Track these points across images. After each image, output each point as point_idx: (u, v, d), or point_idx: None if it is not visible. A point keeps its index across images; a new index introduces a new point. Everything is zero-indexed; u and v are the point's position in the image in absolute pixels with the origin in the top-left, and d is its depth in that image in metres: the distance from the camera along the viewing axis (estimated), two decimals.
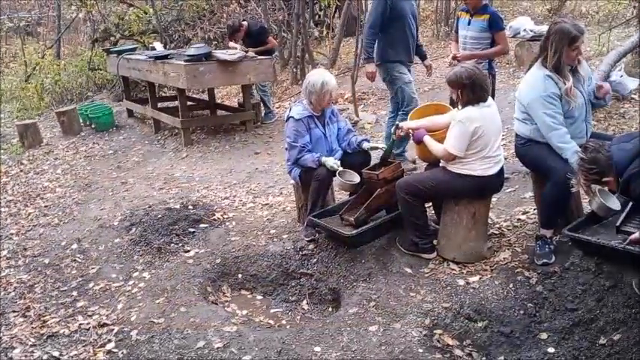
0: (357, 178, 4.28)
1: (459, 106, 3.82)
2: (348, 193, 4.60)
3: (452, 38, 5.31)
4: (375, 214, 4.25)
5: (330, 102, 4.48)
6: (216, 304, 4.12)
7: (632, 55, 7.54)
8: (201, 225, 4.98)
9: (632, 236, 3.25)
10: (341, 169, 4.29)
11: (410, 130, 4.09)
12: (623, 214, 3.49)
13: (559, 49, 3.57)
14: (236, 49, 7.94)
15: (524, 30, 8.81)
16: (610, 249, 3.36)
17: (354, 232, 4.04)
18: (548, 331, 3.37)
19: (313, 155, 4.34)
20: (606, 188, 3.67)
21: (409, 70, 5.66)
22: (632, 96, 6.50)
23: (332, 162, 4.30)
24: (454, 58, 5.03)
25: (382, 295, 3.78)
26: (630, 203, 3.45)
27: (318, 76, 4.42)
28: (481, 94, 3.68)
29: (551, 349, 3.27)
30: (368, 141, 4.55)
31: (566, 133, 3.63)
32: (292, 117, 4.45)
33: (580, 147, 3.39)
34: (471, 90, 3.67)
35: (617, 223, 3.49)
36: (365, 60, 5.72)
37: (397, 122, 4.52)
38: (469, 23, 5.09)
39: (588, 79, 3.82)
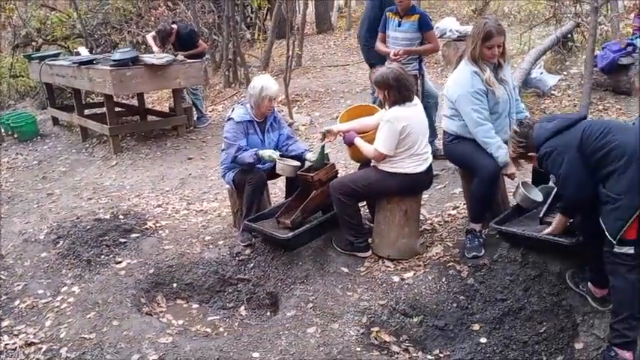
0: (297, 163, 4.29)
1: (387, 107, 3.88)
2: (284, 197, 4.60)
3: (379, 38, 5.33)
4: (311, 216, 4.26)
5: (270, 108, 4.41)
6: (151, 315, 4.01)
7: (551, 53, 7.93)
8: (133, 235, 4.83)
9: (546, 231, 3.41)
10: (279, 158, 4.28)
11: (340, 133, 4.13)
12: (546, 206, 3.65)
13: (475, 42, 3.71)
14: (153, 49, 7.81)
15: (451, 30, 9.07)
16: (534, 239, 3.50)
17: (291, 234, 4.03)
18: (480, 322, 3.48)
19: (250, 151, 4.29)
20: (529, 181, 3.87)
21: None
22: (552, 92, 6.82)
23: (269, 152, 4.27)
24: (395, 55, 5.02)
25: (320, 296, 3.78)
26: (552, 194, 3.60)
27: (260, 80, 4.39)
28: (407, 93, 3.76)
29: (483, 340, 3.38)
30: (310, 151, 4.53)
31: (491, 128, 3.76)
32: (232, 118, 4.39)
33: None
34: (397, 90, 3.74)
35: (540, 214, 3.65)
36: (372, 66, 5.62)
37: (325, 127, 4.50)
38: (399, 25, 5.14)
39: (512, 83, 3.96)
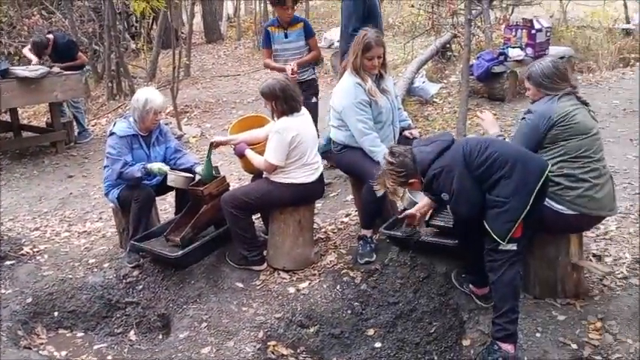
0: (190, 174, 4.16)
1: (275, 118, 3.86)
2: (174, 213, 4.43)
3: (265, 55, 5.22)
4: (202, 232, 4.13)
5: (155, 122, 4.21)
6: (30, 348, 3.69)
7: (432, 63, 8.34)
8: (7, 262, 4.42)
9: (407, 212, 3.54)
10: (170, 170, 4.12)
11: (231, 145, 4.06)
12: (431, 210, 3.79)
13: (356, 54, 3.80)
14: (32, 61, 7.29)
15: (338, 41, 9.25)
16: (421, 242, 3.62)
17: (180, 252, 3.88)
18: (374, 327, 3.54)
19: (138, 165, 4.08)
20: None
21: None
22: (434, 100, 7.16)
23: (159, 165, 4.10)
24: (293, 72, 4.80)
25: (214, 314, 3.67)
26: None
27: (143, 93, 4.21)
28: (294, 104, 3.77)
29: (377, 344, 3.44)
30: (200, 164, 4.39)
31: (376, 137, 3.85)
32: (115, 133, 4.15)
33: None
34: (284, 101, 3.74)
35: (427, 218, 3.78)
36: None
37: (215, 138, 4.39)
38: (286, 36, 5.07)
39: (394, 93, 4.09)
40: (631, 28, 10.42)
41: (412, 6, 10.01)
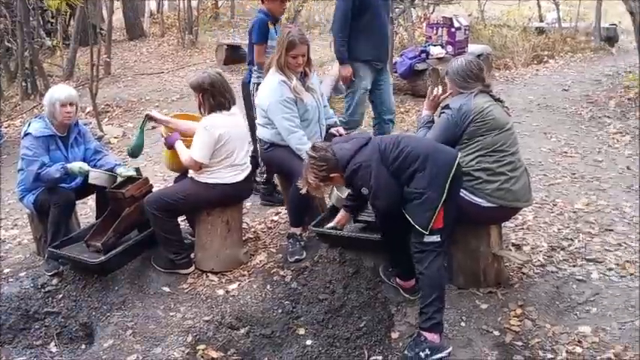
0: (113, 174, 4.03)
1: (204, 112, 3.77)
2: (95, 215, 4.25)
3: (258, 51, 4.73)
4: (125, 236, 3.98)
5: (68, 116, 3.99)
6: None
7: None
8: None
9: (328, 225, 3.67)
10: (91, 169, 3.95)
11: (163, 134, 3.94)
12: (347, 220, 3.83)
13: (280, 52, 3.79)
14: None
15: None
16: (348, 238, 3.65)
17: (102, 258, 3.72)
18: (305, 325, 3.53)
19: (57, 165, 3.88)
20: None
21: (382, 72, 4.95)
22: None
23: (79, 165, 3.91)
24: None
25: (140, 320, 3.56)
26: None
27: (51, 89, 4.05)
28: (222, 100, 3.69)
29: (309, 342, 3.44)
30: (122, 165, 4.22)
31: (303, 135, 3.85)
32: (30, 133, 3.92)
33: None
34: (212, 96, 3.66)
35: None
36: (340, 62, 4.84)
37: (151, 112, 4.21)
38: (276, 32, 4.75)
39: (319, 90, 4.10)
40: (544, 26, 10.99)
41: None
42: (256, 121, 4.11)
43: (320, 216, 3.97)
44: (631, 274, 3.46)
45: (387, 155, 3.08)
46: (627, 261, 3.60)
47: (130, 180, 4.03)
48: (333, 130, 4.19)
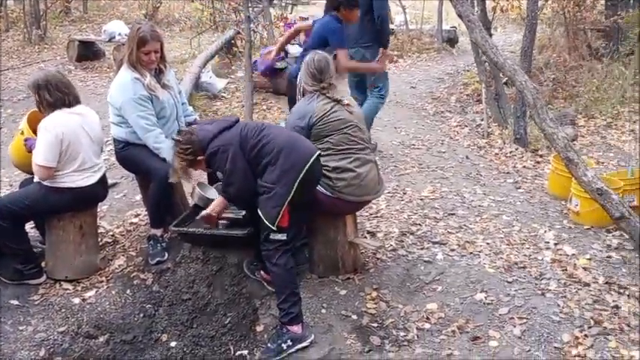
0: None
1: (44, 112, 3.54)
2: None
3: (344, 55, 4.78)
4: None
5: None
6: None
7: (219, 58, 8.39)
8: None
9: (202, 213, 3.53)
10: None
11: (24, 131, 3.66)
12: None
13: (131, 48, 3.68)
14: None
15: (119, 34, 8.80)
16: (211, 236, 3.65)
17: None
18: (169, 327, 3.47)
19: None
20: (205, 181, 4.01)
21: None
22: (222, 94, 7.23)
23: None
24: None
25: None
26: None
27: None
28: (60, 96, 3.49)
29: (173, 344, 3.39)
30: None
31: (160, 133, 3.76)
32: None
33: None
34: (48, 92, 3.46)
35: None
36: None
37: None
38: None
39: (176, 87, 4.03)
40: (393, 28, 11.65)
41: (193, 1, 9.92)
42: (109, 120, 3.95)
43: (182, 215, 3.92)
44: (470, 253, 3.83)
45: (246, 142, 3.10)
46: (467, 241, 3.98)
47: None
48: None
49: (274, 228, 3.04)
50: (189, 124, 4.16)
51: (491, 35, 6.89)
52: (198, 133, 3.17)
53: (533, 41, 5.91)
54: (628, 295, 3.29)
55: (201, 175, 4.13)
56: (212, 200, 3.83)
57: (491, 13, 7.87)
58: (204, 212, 3.50)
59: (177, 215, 3.98)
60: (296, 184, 3.02)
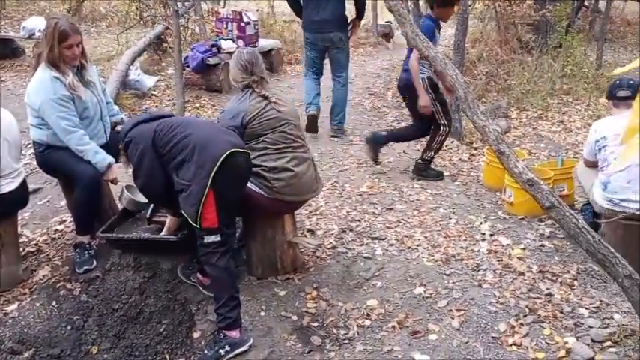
0: None
1: None
2: None
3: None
4: None
5: None
6: None
7: (148, 55, 8.11)
8: None
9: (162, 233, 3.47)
10: None
11: None
12: (152, 206, 3.68)
13: (51, 45, 3.45)
14: None
15: (40, 31, 8.34)
16: (143, 241, 3.49)
17: None
18: (99, 339, 3.30)
19: None
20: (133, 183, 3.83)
21: None
22: (153, 92, 6.98)
23: None
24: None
25: None
26: None
27: None
28: None
29: (105, 355, 3.22)
30: None
31: (84, 135, 3.55)
32: None
33: None
34: None
35: (148, 215, 3.66)
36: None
37: None
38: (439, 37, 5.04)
39: (100, 85, 3.84)
40: None
41: None
42: (28, 122, 3.70)
43: (110, 220, 3.73)
44: (409, 247, 3.84)
45: (160, 137, 3.01)
46: (406, 236, 3.99)
47: None
48: (119, 128, 3.95)
49: (197, 226, 2.91)
50: (115, 124, 3.97)
51: None
52: (126, 123, 3.09)
53: (465, 35, 6.02)
54: (560, 283, 3.37)
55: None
56: (142, 203, 3.69)
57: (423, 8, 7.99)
58: (163, 232, 3.43)
59: (105, 220, 3.80)
60: (209, 181, 2.86)
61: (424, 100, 4.74)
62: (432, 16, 4.83)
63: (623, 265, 2.51)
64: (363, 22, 11.71)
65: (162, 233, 3.48)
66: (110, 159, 3.58)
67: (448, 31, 11.01)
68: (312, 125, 5.87)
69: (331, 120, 6.06)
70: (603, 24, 8.74)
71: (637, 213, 3.38)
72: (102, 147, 3.63)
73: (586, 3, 10.48)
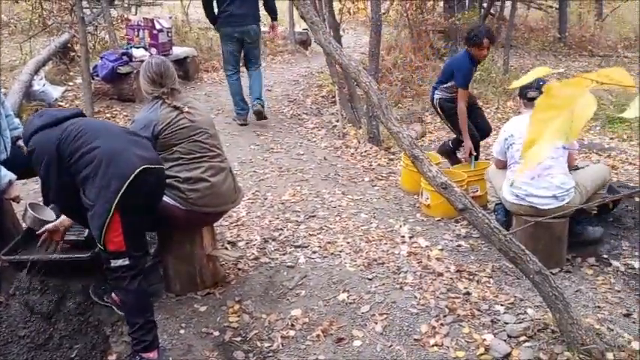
0: None
1: None
2: None
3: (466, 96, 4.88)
4: None
5: None
6: None
7: (53, 64, 7.69)
8: None
9: (47, 226, 3.22)
10: None
11: None
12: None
13: None
14: None
15: None
16: (51, 262, 3.27)
17: None
18: None
19: None
20: (40, 200, 3.59)
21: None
22: (60, 103, 6.62)
23: None
24: None
25: None
26: None
27: None
28: None
29: None
30: None
31: None
32: None
33: None
34: None
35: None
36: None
37: None
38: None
39: (1, 98, 3.58)
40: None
41: (17, 1, 9.02)
42: None
43: (14, 241, 3.47)
44: (332, 254, 3.83)
45: (65, 145, 2.69)
46: (328, 242, 3.98)
47: None
48: (20, 142, 3.70)
49: (102, 249, 2.70)
50: (17, 138, 3.71)
51: (341, 37, 7.05)
52: (27, 125, 2.81)
53: (379, 42, 6.12)
54: (477, 281, 3.47)
55: (37, 194, 3.71)
56: (47, 222, 3.46)
57: (339, 16, 8.07)
58: (49, 226, 3.15)
59: (8, 241, 3.53)
60: (114, 204, 2.60)
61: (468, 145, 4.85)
62: (471, 54, 4.82)
63: (534, 261, 2.62)
64: (280, 29, 11.77)
65: (55, 224, 3.23)
66: (11, 176, 3.34)
67: (364, 38, 11.24)
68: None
69: (252, 101, 6.29)
70: (509, 31, 9.21)
71: (543, 209, 3.56)
72: (2, 163, 3.38)
73: (492, 11, 11.00)
